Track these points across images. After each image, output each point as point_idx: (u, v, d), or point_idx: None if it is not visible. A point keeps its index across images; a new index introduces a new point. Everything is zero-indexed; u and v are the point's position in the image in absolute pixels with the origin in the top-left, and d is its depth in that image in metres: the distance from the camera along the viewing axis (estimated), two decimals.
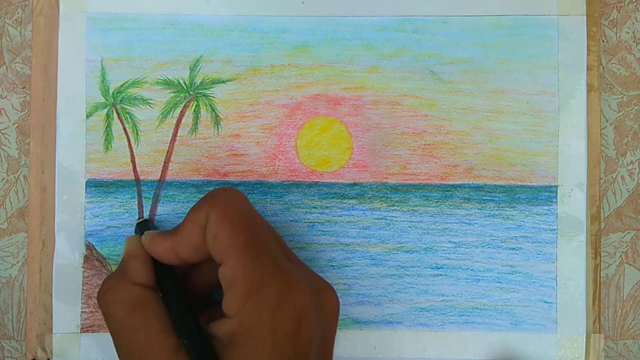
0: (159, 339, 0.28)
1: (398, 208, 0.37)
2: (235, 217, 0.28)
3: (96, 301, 0.36)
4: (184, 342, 0.28)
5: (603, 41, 0.39)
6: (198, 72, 0.37)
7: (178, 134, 0.37)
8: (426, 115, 0.37)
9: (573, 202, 0.37)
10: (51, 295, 0.36)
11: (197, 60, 0.37)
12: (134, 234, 0.35)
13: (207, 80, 0.37)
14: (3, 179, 0.38)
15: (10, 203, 0.38)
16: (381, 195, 0.37)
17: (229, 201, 0.29)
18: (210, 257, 0.29)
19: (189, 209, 0.30)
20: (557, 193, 0.37)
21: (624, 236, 0.39)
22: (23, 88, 0.38)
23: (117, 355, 0.30)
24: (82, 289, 0.36)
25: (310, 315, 0.28)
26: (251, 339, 0.27)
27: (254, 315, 0.27)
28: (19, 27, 0.39)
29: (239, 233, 0.28)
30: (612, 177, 0.39)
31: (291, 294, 0.27)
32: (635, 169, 0.39)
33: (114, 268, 0.36)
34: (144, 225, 0.35)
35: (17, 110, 0.38)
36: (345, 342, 0.37)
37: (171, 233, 0.30)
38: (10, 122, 0.39)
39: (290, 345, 0.27)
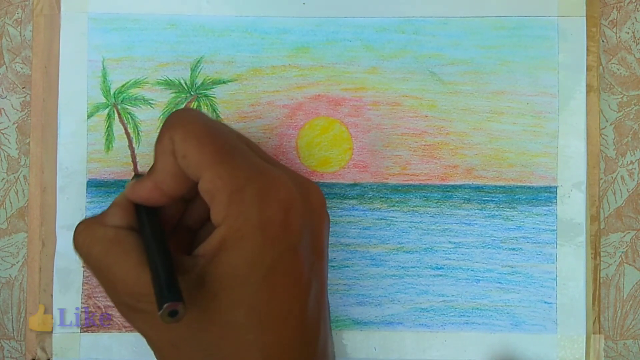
0: (135, 272, 0.27)
1: (398, 208, 0.37)
2: (198, 131, 0.27)
3: (93, 299, 0.36)
4: (151, 276, 0.27)
5: (603, 41, 0.39)
6: (199, 72, 0.37)
7: None
8: (426, 116, 0.37)
9: (573, 203, 0.37)
10: (51, 295, 0.36)
11: (198, 61, 0.37)
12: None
13: (208, 81, 0.37)
14: (3, 179, 0.38)
15: (10, 203, 0.38)
16: (381, 195, 0.37)
17: (189, 118, 0.28)
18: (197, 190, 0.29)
19: None
20: (556, 194, 0.37)
21: (624, 236, 0.39)
22: (23, 88, 0.38)
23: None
24: (82, 289, 0.36)
25: (296, 206, 0.27)
26: (241, 238, 0.26)
27: (240, 216, 0.26)
28: (19, 27, 0.39)
29: (207, 145, 0.27)
30: (612, 177, 0.39)
31: (273, 187, 0.27)
32: (635, 169, 0.39)
33: None
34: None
35: (17, 110, 0.39)
36: (346, 343, 0.37)
37: (148, 173, 0.29)
38: (10, 122, 0.39)
39: (279, 237, 0.27)
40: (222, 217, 0.27)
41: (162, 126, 0.28)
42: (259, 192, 0.27)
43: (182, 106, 0.37)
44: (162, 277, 0.26)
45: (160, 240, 0.28)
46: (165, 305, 0.25)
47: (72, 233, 0.30)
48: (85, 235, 0.29)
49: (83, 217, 0.37)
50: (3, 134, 0.38)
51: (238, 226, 0.27)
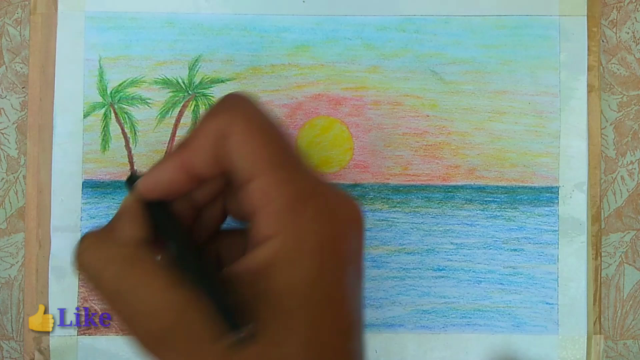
0: (165, 295, 0.23)
1: (400, 209, 0.37)
2: (263, 126, 0.24)
3: (89, 302, 0.36)
4: (201, 290, 0.23)
5: (603, 41, 0.39)
6: (197, 71, 0.37)
7: (177, 134, 0.37)
8: (428, 116, 0.37)
9: (574, 203, 0.37)
10: (49, 296, 0.36)
11: (197, 60, 0.37)
12: None
13: (207, 80, 0.37)
14: (2, 179, 0.38)
15: (10, 203, 0.38)
16: (382, 196, 0.37)
17: (253, 108, 0.24)
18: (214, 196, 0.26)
19: None
20: (558, 194, 0.37)
21: (624, 236, 0.39)
22: (23, 88, 0.38)
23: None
24: (79, 291, 0.36)
25: (363, 226, 0.24)
26: (296, 260, 0.23)
27: (300, 232, 0.23)
28: (19, 27, 0.38)
29: (271, 143, 0.23)
30: (612, 177, 0.39)
31: (345, 201, 0.24)
32: (635, 169, 0.39)
33: None
34: (136, 179, 0.27)
35: (17, 110, 0.38)
36: None
37: (175, 152, 0.25)
38: (10, 122, 0.38)
39: (338, 260, 0.24)
40: (275, 231, 0.23)
41: (218, 105, 0.25)
42: (327, 205, 0.24)
43: (180, 106, 0.37)
44: (220, 297, 0.23)
45: (195, 251, 0.25)
46: (241, 329, 0.22)
47: (72, 243, 0.25)
48: (93, 254, 0.24)
49: (78, 219, 0.36)
50: (3, 134, 0.38)
51: (293, 245, 0.23)
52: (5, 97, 0.38)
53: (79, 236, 0.36)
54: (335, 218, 0.24)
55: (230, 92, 0.25)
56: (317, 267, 0.23)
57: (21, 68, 0.38)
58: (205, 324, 0.23)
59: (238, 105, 0.24)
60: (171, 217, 0.25)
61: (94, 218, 0.36)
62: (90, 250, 0.24)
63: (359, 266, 0.25)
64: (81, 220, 0.36)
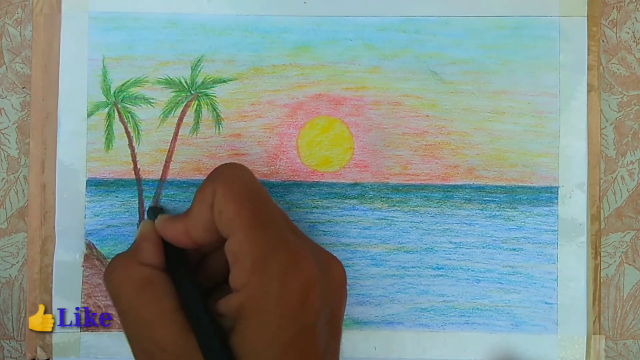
0: (170, 316, 0.27)
1: (399, 208, 0.37)
2: (240, 191, 0.28)
3: (93, 299, 0.36)
4: (192, 324, 0.27)
5: (603, 41, 0.39)
6: (199, 71, 0.37)
7: (179, 134, 0.37)
8: (427, 116, 0.37)
9: (574, 203, 0.37)
10: (51, 295, 0.36)
11: (199, 60, 0.37)
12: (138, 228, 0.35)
13: (209, 80, 0.37)
14: (3, 179, 0.38)
15: (10, 203, 0.38)
16: (382, 195, 0.37)
17: (234, 176, 0.29)
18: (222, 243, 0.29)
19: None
20: (558, 194, 0.37)
21: (624, 236, 0.39)
22: (23, 88, 0.38)
23: (127, 343, 0.29)
24: (82, 288, 0.36)
25: (317, 286, 0.27)
26: (258, 311, 0.26)
27: (261, 287, 0.26)
28: (19, 27, 0.38)
29: (244, 206, 0.27)
30: (612, 177, 0.39)
31: (297, 264, 0.27)
32: (635, 169, 0.39)
33: None
34: (157, 210, 0.34)
35: (17, 110, 0.38)
36: (346, 343, 0.37)
37: (182, 216, 0.30)
38: (10, 122, 0.38)
39: (297, 316, 0.26)
40: (243, 284, 0.27)
41: (208, 176, 0.29)
42: (283, 266, 0.27)
43: (183, 105, 0.37)
44: (210, 339, 0.26)
45: (195, 285, 0.28)
46: None
47: (105, 270, 0.30)
48: (118, 273, 0.29)
49: (82, 216, 0.36)
50: (3, 134, 0.38)
51: (256, 297, 0.26)
52: (5, 97, 0.38)
53: (83, 234, 0.36)
54: (295, 278, 0.27)
55: (222, 163, 0.30)
56: (275, 324, 0.26)
57: (21, 68, 0.38)
58: None
59: (221, 175, 0.29)
60: (179, 256, 0.30)
61: (97, 216, 0.37)
62: (117, 270, 0.29)
63: (329, 320, 0.28)
64: (85, 217, 0.37)
